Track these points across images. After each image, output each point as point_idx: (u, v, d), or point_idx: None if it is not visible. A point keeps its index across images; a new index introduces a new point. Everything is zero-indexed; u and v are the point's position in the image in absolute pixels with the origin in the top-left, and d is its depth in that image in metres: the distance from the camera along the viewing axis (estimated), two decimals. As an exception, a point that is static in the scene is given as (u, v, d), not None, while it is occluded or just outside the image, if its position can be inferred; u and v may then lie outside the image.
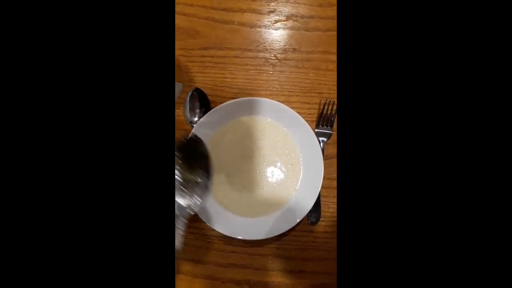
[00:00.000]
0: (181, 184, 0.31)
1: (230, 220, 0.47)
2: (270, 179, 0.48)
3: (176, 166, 0.30)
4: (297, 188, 0.48)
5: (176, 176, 0.30)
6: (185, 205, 0.31)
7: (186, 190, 0.31)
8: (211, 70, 0.52)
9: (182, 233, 0.31)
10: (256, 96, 0.50)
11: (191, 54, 0.53)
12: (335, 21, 0.53)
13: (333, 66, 0.52)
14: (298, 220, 0.46)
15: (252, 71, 0.53)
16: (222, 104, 0.47)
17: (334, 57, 0.53)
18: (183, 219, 0.31)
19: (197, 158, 0.33)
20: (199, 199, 0.32)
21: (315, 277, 0.48)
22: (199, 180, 0.32)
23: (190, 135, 0.35)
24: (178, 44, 0.53)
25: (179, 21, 0.54)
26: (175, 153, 0.31)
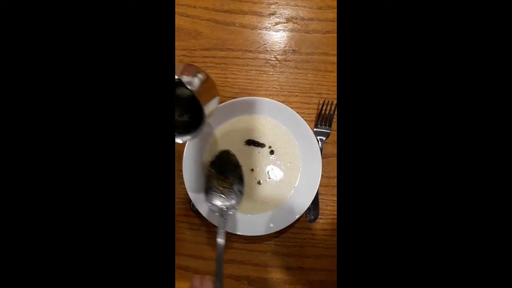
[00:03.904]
0: (220, 191, 0.37)
1: (230, 216, 0.47)
2: (269, 177, 0.49)
3: (213, 176, 0.37)
4: (295, 185, 0.49)
5: (215, 185, 0.37)
6: (224, 207, 0.38)
7: (224, 196, 0.38)
8: (213, 70, 0.54)
9: (223, 230, 0.38)
10: (257, 96, 0.51)
11: (193, 55, 0.54)
12: (334, 23, 0.55)
13: (332, 67, 0.54)
14: (296, 217, 0.46)
15: (252, 71, 0.54)
16: (223, 103, 0.48)
17: (333, 59, 0.54)
18: (223, 220, 0.38)
19: (231, 168, 0.39)
20: (235, 201, 0.38)
21: (314, 274, 0.48)
22: (234, 186, 0.38)
23: (220, 150, 0.41)
24: (180, 44, 0.54)
25: (181, 22, 0.55)
26: (210, 167, 0.38)
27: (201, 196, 0.47)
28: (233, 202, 0.38)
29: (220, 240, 0.36)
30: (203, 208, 0.46)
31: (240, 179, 0.40)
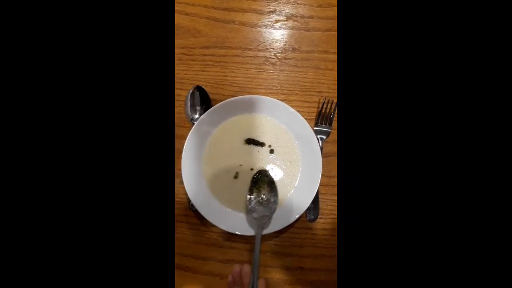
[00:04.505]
0: (259, 202, 0.46)
1: (230, 216, 0.47)
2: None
3: (254, 190, 0.46)
4: (295, 185, 0.49)
5: (255, 197, 0.46)
6: (264, 215, 0.45)
7: (262, 206, 0.46)
8: (212, 68, 0.53)
9: (261, 232, 0.44)
10: (256, 95, 0.51)
11: (193, 53, 0.54)
12: (334, 21, 0.54)
13: (332, 65, 0.53)
14: (296, 217, 0.46)
15: (252, 69, 0.53)
16: (223, 101, 0.47)
17: (333, 57, 0.53)
18: (261, 223, 0.44)
19: (268, 184, 0.47)
20: (272, 209, 0.46)
21: (314, 274, 0.48)
22: (271, 198, 0.46)
23: (259, 169, 0.49)
24: (180, 42, 0.54)
25: (181, 20, 0.54)
26: (252, 182, 0.47)
27: (201, 195, 0.47)
28: (270, 210, 0.45)
29: (258, 241, 0.43)
30: (202, 207, 0.46)
31: (276, 193, 0.46)
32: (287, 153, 0.49)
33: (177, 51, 0.53)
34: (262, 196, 0.46)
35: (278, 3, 0.55)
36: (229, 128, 0.50)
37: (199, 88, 0.51)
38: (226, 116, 0.49)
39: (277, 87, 0.53)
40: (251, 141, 0.49)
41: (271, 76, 0.53)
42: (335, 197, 0.49)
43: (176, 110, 0.52)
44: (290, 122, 0.49)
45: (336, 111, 0.51)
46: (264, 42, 0.54)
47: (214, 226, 0.46)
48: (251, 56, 0.54)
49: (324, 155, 0.49)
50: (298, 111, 0.47)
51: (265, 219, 0.45)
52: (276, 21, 0.55)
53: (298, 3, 0.55)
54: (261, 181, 0.47)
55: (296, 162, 0.49)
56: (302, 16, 0.55)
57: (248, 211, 0.46)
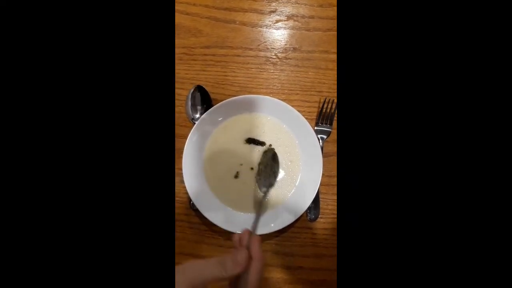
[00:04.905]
0: (266, 173, 0.48)
1: (230, 215, 0.47)
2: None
3: (263, 163, 0.49)
4: (296, 184, 0.49)
5: (263, 169, 0.48)
6: (269, 184, 0.48)
7: (269, 176, 0.48)
8: (213, 68, 0.53)
9: (266, 198, 0.47)
10: (257, 94, 0.51)
11: (193, 53, 0.54)
12: (335, 21, 0.54)
13: (333, 65, 0.53)
14: (297, 217, 0.46)
15: (253, 69, 0.54)
16: (224, 101, 0.47)
17: (333, 57, 0.53)
18: (267, 191, 0.47)
19: (272, 158, 0.49)
20: (276, 176, 0.49)
21: (314, 274, 0.48)
22: (275, 169, 0.49)
23: (266, 149, 0.51)
24: (180, 42, 0.54)
25: (181, 19, 0.55)
26: (262, 156, 0.50)
27: (201, 195, 0.47)
28: (274, 176, 0.48)
29: (261, 207, 0.46)
30: (203, 207, 0.46)
31: (277, 161, 0.49)
32: (287, 153, 0.49)
33: (178, 50, 0.54)
34: (267, 169, 0.49)
35: (279, 3, 0.55)
36: (230, 128, 0.50)
37: (200, 88, 0.51)
38: (226, 115, 0.49)
39: (277, 86, 0.53)
40: (252, 141, 0.49)
41: (272, 76, 0.53)
42: (336, 197, 0.49)
43: (177, 109, 0.52)
44: (290, 121, 0.49)
45: (336, 111, 0.51)
46: (265, 42, 0.54)
47: (215, 225, 0.46)
48: (252, 56, 0.54)
49: (324, 154, 0.49)
50: (298, 111, 0.48)
51: (271, 187, 0.47)
52: (277, 21, 0.55)
53: (298, 3, 0.55)
54: (267, 158, 0.49)
55: (297, 161, 0.49)
56: (303, 16, 0.55)
57: (258, 187, 0.48)
